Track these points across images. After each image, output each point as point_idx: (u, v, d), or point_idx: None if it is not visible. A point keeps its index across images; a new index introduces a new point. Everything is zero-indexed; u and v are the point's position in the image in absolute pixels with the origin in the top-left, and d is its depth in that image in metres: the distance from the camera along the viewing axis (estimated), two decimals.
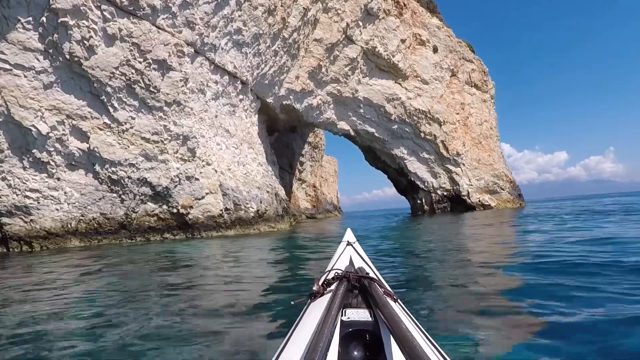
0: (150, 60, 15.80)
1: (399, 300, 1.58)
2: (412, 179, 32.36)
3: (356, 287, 1.53)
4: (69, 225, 15.77)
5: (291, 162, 51.94)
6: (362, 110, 29.36)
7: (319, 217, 57.26)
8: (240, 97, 21.54)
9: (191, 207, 19.18)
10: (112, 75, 15.18)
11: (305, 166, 56.05)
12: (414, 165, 32.18)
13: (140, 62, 15.67)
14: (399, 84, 30.04)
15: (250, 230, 20.99)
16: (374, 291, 1.40)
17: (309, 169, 57.31)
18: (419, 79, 30.69)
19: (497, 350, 2.40)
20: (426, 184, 32.57)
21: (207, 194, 19.56)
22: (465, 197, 32.55)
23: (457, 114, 33.11)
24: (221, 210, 19.77)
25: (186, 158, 18.97)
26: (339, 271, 1.70)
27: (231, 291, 4.61)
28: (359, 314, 1.31)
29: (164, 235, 18.56)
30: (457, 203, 32.85)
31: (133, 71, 15.57)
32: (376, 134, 30.52)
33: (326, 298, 1.46)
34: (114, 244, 15.55)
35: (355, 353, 1.20)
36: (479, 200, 32.84)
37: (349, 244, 2.62)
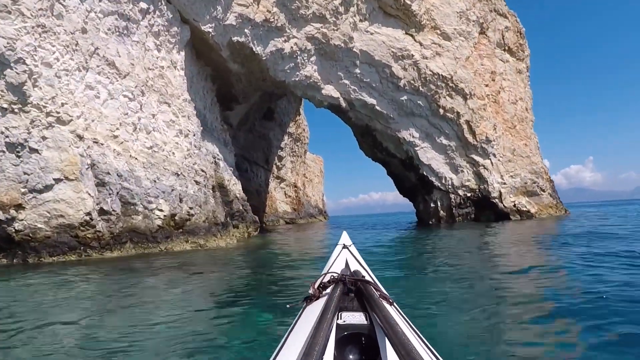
0: None
1: (394, 304, 1.56)
2: (425, 173, 23.12)
3: (352, 290, 1.52)
4: None
5: (267, 157, 42.22)
6: (358, 70, 20.03)
7: (301, 223, 47.70)
8: (147, 9, 11.83)
9: (19, 206, 9.39)
10: None
11: (285, 162, 46.36)
12: (427, 155, 23.00)
13: None
14: (412, 35, 20.85)
15: (154, 248, 11.14)
16: (370, 294, 1.39)
17: (290, 166, 47.67)
18: (438, 31, 21.55)
19: None
20: (444, 181, 23.39)
21: (57, 181, 9.77)
22: (496, 200, 23.49)
23: (487, 85, 24.09)
24: (88, 213, 9.96)
25: (7, 106, 9.24)
26: (335, 274, 1.70)
27: None
28: (355, 318, 1.30)
29: None
30: (484, 208, 23.75)
31: None
32: (377, 108, 21.24)
33: (322, 301, 1.45)
34: None
35: (351, 356, 1.20)
36: (514, 205, 23.84)
37: (344, 246, 2.58)
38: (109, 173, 10.35)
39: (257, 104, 28.99)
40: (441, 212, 23.91)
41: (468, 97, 22.59)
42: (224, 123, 23.87)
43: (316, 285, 1.66)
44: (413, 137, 22.46)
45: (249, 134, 39.18)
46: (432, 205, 24.00)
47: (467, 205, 23.76)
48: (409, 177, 24.69)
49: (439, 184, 23.46)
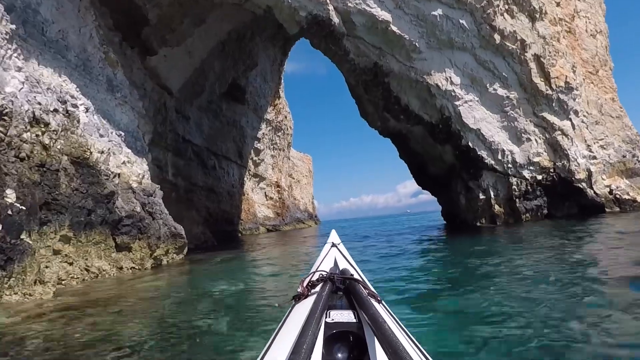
0: None
1: (382, 302, 1.52)
2: (470, 143, 13.99)
3: (340, 288, 1.51)
4: None
5: (240, 149, 32.84)
6: None
7: (286, 229, 38.42)
8: None
9: None
10: None
11: (264, 156, 36.98)
12: (475, 114, 13.97)
13: None
14: None
15: None
16: (358, 293, 1.37)
17: (270, 161, 38.32)
18: None
19: None
20: (500, 157, 14.26)
21: None
22: (583, 185, 14.53)
23: (558, 4, 15.31)
24: None
25: None
26: (324, 273, 1.65)
27: None
28: (343, 316, 1.29)
29: None
30: (563, 198, 14.78)
31: None
32: (393, 29, 12.16)
33: (311, 300, 1.43)
34: None
35: (339, 355, 1.19)
36: (610, 191, 14.99)
37: (333, 245, 2.54)
38: None
39: (208, 62, 19.71)
40: (496, 206, 14.78)
41: (537, 16, 13.62)
42: (146, 75, 14.59)
43: (305, 284, 1.64)
44: (452, 83, 13.38)
45: (215, 120, 29.87)
46: (481, 196, 14.85)
47: (536, 195, 14.69)
48: (442, 154, 15.54)
49: (493, 162, 14.37)
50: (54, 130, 6.92)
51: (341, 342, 1.20)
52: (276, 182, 39.71)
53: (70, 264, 6.78)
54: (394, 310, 1.60)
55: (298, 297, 1.58)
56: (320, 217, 60.27)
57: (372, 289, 1.64)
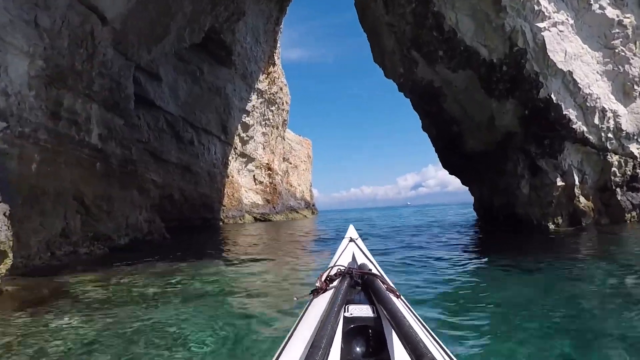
0: None
1: (401, 297, 1.49)
2: (554, 96, 8.64)
3: (359, 283, 1.49)
4: None
5: (225, 123, 27.56)
6: None
7: (277, 219, 33.30)
8: None
9: None
10: None
11: (254, 132, 31.59)
12: (567, 47, 8.55)
13: None
14: None
15: None
16: (377, 287, 1.37)
17: (261, 139, 32.90)
18: None
19: None
20: (597, 120, 8.86)
21: None
22: None
23: None
24: None
25: None
26: (342, 267, 1.66)
27: None
28: (362, 310, 1.28)
29: None
30: None
31: None
32: None
33: (329, 294, 1.43)
34: None
35: (358, 349, 1.16)
36: None
37: (351, 240, 2.52)
38: None
39: None
40: (581, 198, 9.37)
41: None
42: None
43: (323, 278, 1.61)
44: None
45: (194, 84, 24.45)
46: (558, 182, 9.43)
47: None
48: (497, 116, 10.01)
49: (585, 128, 8.89)
50: None
51: (360, 336, 1.18)
52: (267, 164, 34.36)
53: None
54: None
55: (316, 292, 1.54)
56: (318, 206, 55.09)
57: (391, 284, 1.60)
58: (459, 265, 5.58)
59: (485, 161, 11.85)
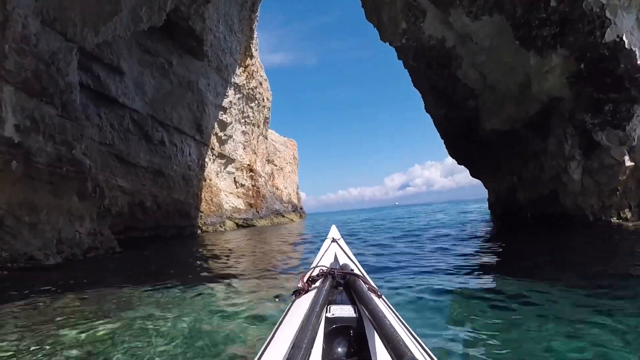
0: None
1: (383, 297, 1.48)
2: (625, 39, 6.35)
3: (341, 283, 1.48)
4: None
5: (199, 121, 24.70)
6: None
7: (261, 224, 30.54)
8: None
9: None
10: None
11: (232, 131, 28.76)
12: None
13: None
14: None
15: None
16: (359, 288, 1.35)
17: (241, 138, 30.11)
18: None
19: None
20: None
21: None
22: None
23: None
24: None
25: None
26: (324, 268, 1.64)
27: None
28: (344, 311, 1.27)
29: None
30: None
31: None
32: None
33: (311, 295, 1.41)
34: None
35: (340, 349, 1.16)
36: None
37: (333, 240, 2.48)
38: None
39: None
40: None
41: None
42: None
43: (305, 279, 1.60)
44: None
45: (163, 78, 21.58)
46: (627, 161, 6.99)
47: None
48: (534, 78, 7.53)
49: None
50: None
51: (341, 336, 1.17)
52: (249, 165, 31.54)
53: None
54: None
55: (298, 292, 1.52)
56: (306, 209, 52.33)
57: (373, 284, 1.58)
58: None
59: (511, 145, 9.34)
